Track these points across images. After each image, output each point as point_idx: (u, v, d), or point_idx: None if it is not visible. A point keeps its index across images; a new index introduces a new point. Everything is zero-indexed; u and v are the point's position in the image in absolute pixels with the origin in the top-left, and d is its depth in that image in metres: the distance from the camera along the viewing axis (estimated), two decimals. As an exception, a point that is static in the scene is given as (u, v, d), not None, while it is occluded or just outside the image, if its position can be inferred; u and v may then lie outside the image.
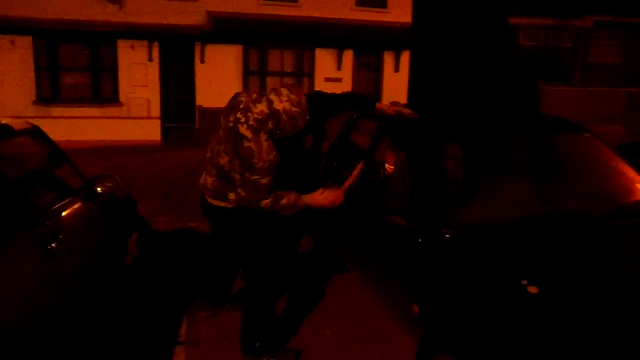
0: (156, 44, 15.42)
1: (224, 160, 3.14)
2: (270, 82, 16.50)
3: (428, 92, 18.31)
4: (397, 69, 17.47)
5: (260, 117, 2.93)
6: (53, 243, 3.03)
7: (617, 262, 2.80)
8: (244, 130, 2.95)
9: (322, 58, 16.84)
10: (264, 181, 2.95)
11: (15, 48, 14.60)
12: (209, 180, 3.29)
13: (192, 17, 15.27)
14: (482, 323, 2.37)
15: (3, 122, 3.31)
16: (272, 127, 2.95)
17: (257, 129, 2.93)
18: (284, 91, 3.03)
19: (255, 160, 2.92)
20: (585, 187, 3.56)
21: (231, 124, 3.04)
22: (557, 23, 23.93)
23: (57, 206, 3.39)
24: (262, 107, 2.95)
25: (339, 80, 16.81)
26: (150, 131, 15.15)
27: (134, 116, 15.32)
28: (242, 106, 3.03)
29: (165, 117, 15.72)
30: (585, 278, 2.55)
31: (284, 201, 3.04)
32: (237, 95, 3.17)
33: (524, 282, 2.38)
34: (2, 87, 14.59)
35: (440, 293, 2.72)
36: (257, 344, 3.39)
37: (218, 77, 16.00)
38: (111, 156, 12.53)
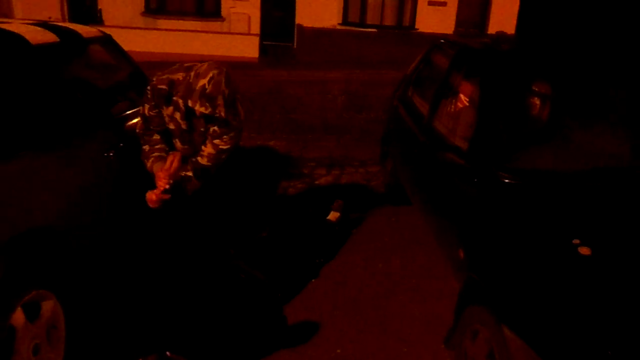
0: (259, -45, 15.16)
1: None
2: (371, 2, 15.79)
3: (540, 22, 16.37)
4: (508, -7, 15.90)
5: None
6: (114, 150, 3.12)
7: None
8: None
9: (426, -22, 15.71)
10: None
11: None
12: None
13: None
14: (523, 281, 2.14)
15: (72, 27, 3.38)
16: None
17: None
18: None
19: None
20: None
21: None
22: None
23: (123, 115, 3.48)
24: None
25: (443, 4, 15.70)
26: (248, 47, 15.11)
27: (234, 31, 15.37)
28: None
29: (264, 34, 15.67)
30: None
31: (145, 147, 2.95)
32: None
33: (576, 242, 2.10)
34: (112, -4, 15.22)
35: (485, 241, 2.50)
36: None
37: (319, -5, 15.56)
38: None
